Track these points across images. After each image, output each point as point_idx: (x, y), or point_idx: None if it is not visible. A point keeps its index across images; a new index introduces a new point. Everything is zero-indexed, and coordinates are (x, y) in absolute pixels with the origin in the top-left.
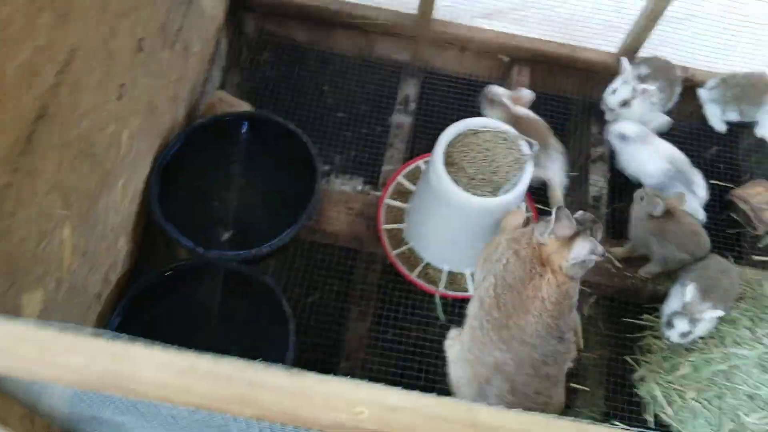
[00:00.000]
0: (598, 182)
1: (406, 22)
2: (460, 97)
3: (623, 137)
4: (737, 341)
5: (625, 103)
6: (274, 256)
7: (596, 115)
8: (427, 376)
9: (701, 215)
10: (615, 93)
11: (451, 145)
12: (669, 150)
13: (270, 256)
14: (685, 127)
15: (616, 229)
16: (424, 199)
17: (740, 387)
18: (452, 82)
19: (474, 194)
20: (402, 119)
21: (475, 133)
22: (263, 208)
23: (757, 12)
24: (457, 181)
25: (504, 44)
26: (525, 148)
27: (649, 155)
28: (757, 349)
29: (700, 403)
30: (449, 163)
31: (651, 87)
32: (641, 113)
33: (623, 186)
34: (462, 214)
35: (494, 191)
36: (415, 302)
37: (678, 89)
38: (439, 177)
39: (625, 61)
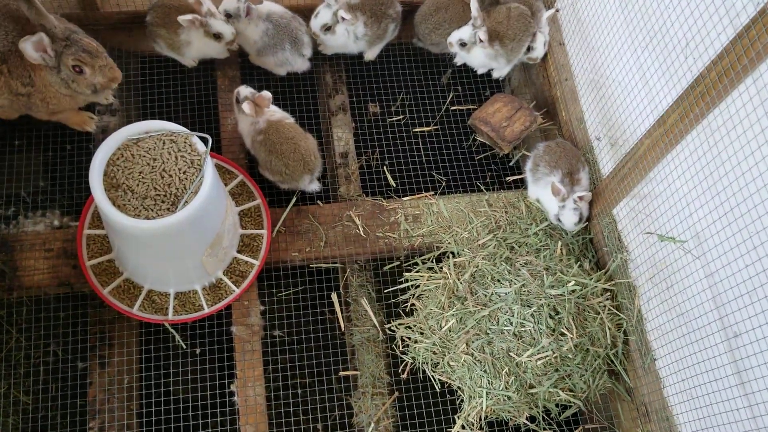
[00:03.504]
0: (342, 136)
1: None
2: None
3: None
4: (497, 278)
5: (328, 29)
6: None
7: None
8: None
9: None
10: (317, 16)
11: (111, 163)
12: (267, 8)
13: None
14: (416, 51)
15: (368, 184)
16: (108, 228)
17: (506, 328)
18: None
19: (148, 217)
20: (108, 121)
21: (136, 142)
22: None
23: None
24: (125, 206)
25: None
26: (199, 146)
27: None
28: (516, 283)
29: (471, 355)
30: (113, 186)
31: (348, 15)
32: (345, 42)
33: (369, 134)
34: (144, 241)
35: (173, 206)
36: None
37: (392, 26)
38: (102, 207)
39: None
